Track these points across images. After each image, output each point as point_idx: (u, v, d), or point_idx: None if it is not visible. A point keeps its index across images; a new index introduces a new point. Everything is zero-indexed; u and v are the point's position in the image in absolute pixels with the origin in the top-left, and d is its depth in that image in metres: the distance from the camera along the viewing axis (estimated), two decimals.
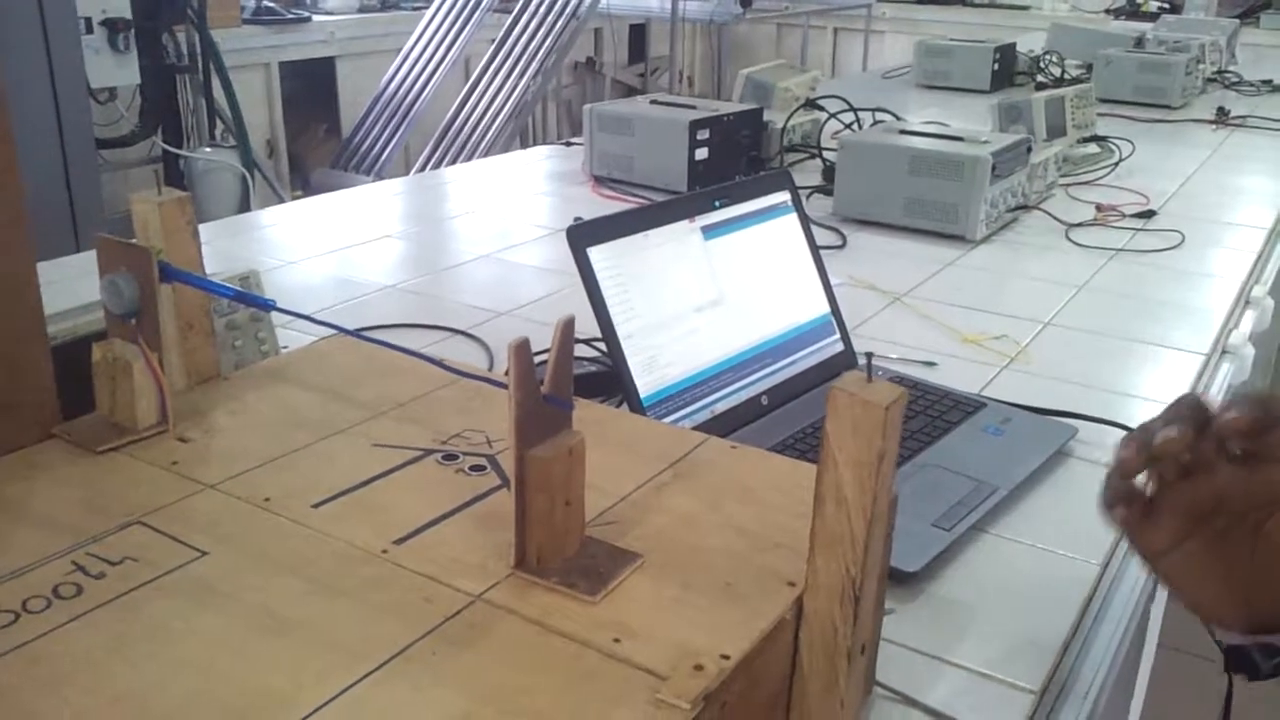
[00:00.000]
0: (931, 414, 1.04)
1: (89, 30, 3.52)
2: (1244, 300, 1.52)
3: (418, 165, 4.81)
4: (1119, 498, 0.61)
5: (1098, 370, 1.21)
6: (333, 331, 0.75)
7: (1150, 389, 1.18)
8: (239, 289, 0.68)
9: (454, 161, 4.66)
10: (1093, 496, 0.94)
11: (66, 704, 0.44)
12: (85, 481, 0.61)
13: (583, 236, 0.92)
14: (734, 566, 0.56)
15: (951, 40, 3.18)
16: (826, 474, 0.49)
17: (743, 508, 0.61)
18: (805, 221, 1.13)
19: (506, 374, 0.51)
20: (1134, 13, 5.35)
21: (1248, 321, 1.46)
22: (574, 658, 0.48)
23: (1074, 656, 0.77)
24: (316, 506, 0.59)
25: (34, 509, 0.59)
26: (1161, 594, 1.48)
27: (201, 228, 0.71)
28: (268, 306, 0.68)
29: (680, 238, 1.01)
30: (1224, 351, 1.36)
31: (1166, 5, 5.42)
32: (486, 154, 4.56)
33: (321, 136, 5.24)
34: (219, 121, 4.16)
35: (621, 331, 0.93)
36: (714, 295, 1.02)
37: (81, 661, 0.47)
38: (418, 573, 0.54)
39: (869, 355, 0.51)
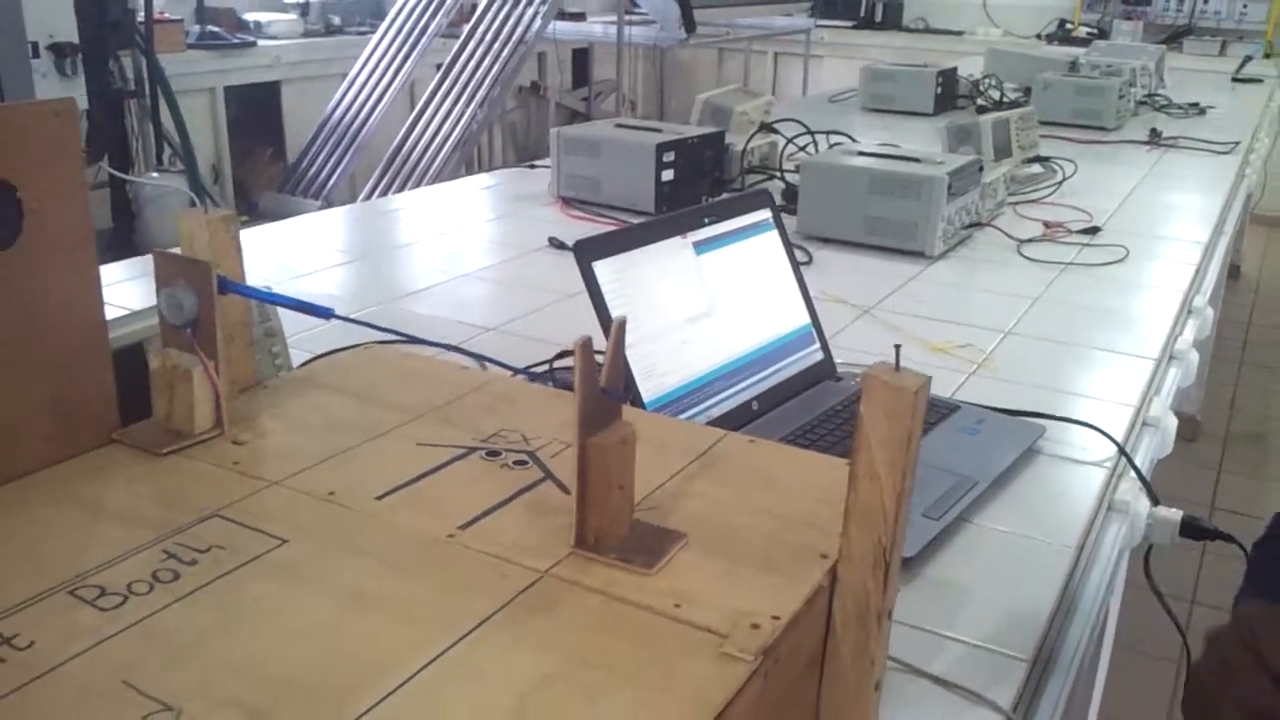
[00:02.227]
0: None
1: (35, 54, 3.51)
2: (1186, 309, 1.62)
3: (365, 191, 4.83)
4: None
5: (1058, 375, 1.29)
6: (372, 340, 0.79)
7: (1108, 391, 1.26)
8: (298, 299, 0.72)
9: (402, 188, 4.69)
10: (1063, 489, 1.02)
11: (190, 674, 0.48)
12: (155, 481, 0.65)
13: (588, 251, 0.98)
14: (769, 543, 0.61)
15: (895, 65, 3.30)
16: (861, 453, 0.55)
17: (768, 493, 0.67)
18: (785, 237, 1.20)
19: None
20: (1065, 38, 5.56)
21: (1190, 329, 1.56)
22: (641, 622, 0.54)
23: (1057, 630, 0.84)
24: (379, 499, 0.64)
25: (113, 506, 0.63)
26: (1116, 594, 1.57)
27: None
28: (327, 315, 0.73)
29: (675, 253, 1.07)
30: (1171, 357, 1.45)
31: (1095, 31, 5.63)
32: (434, 180, 4.59)
33: (267, 161, 5.24)
34: (166, 146, 4.15)
35: (626, 340, 0.98)
36: (706, 307, 1.08)
37: (195, 636, 0.51)
38: (485, 553, 0.58)
39: (897, 346, 0.57)
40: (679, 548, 0.60)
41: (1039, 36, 5.75)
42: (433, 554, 0.58)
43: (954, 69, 3.28)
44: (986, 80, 3.32)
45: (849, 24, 6.65)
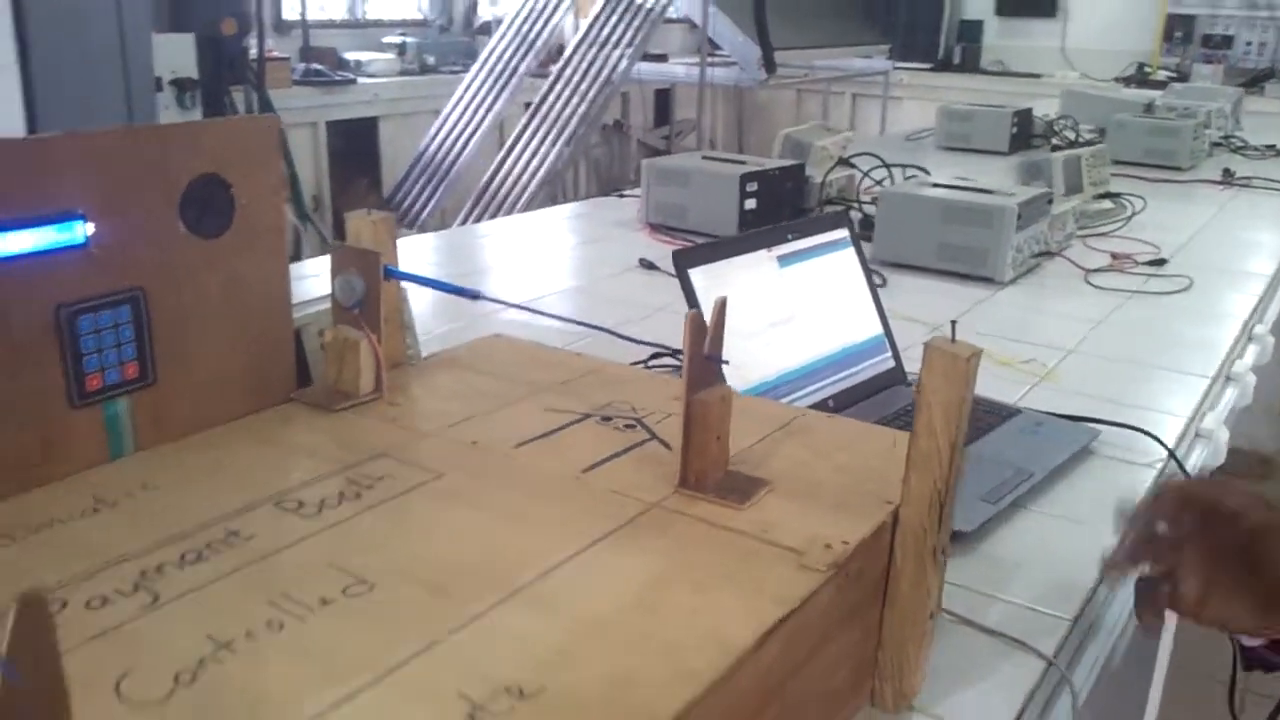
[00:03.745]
0: (975, 417, 1.20)
1: (159, 89, 3.77)
2: (1247, 336, 1.69)
3: (457, 222, 5.03)
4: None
5: (1116, 388, 1.38)
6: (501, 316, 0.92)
7: (1163, 403, 1.34)
8: (451, 284, 0.86)
9: (491, 220, 4.89)
10: (1114, 485, 1.12)
11: (379, 561, 0.61)
12: (331, 430, 0.79)
13: (686, 260, 1.10)
14: (843, 492, 0.73)
15: (971, 105, 3.39)
16: (922, 411, 0.67)
17: (844, 456, 0.79)
18: (861, 254, 1.31)
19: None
20: (1143, 80, 5.59)
21: (1250, 354, 1.63)
22: (735, 542, 0.65)
23: (1101, 600, 0.94)
24: (516, 447, 0.77)
25: (302, 445, 0.76)
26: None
27: None
28: (474, 296, 0.86)
29: (760, 264, 1.19)
30: (1228, 378, 1.53)
31: (1175, 74, 5.66)
32: (522, 213, 4.78)
33: (364, 192, 5.49)
34: None
35: None
36: (788, 314, 1.20)
37: (380, 537, 0.64)
38: (607, 489, 0.71)
39: (953, 323, 0.68)
40: (765, 491, 0.72)
41: (1117, 80, 5.79)
42: (565, 487, 0.71)
43: (1029, 109, 3.36)
44: (1062, 121, 3.40)
45: (927, 66, 6.75)
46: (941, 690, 0.77)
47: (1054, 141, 3.24)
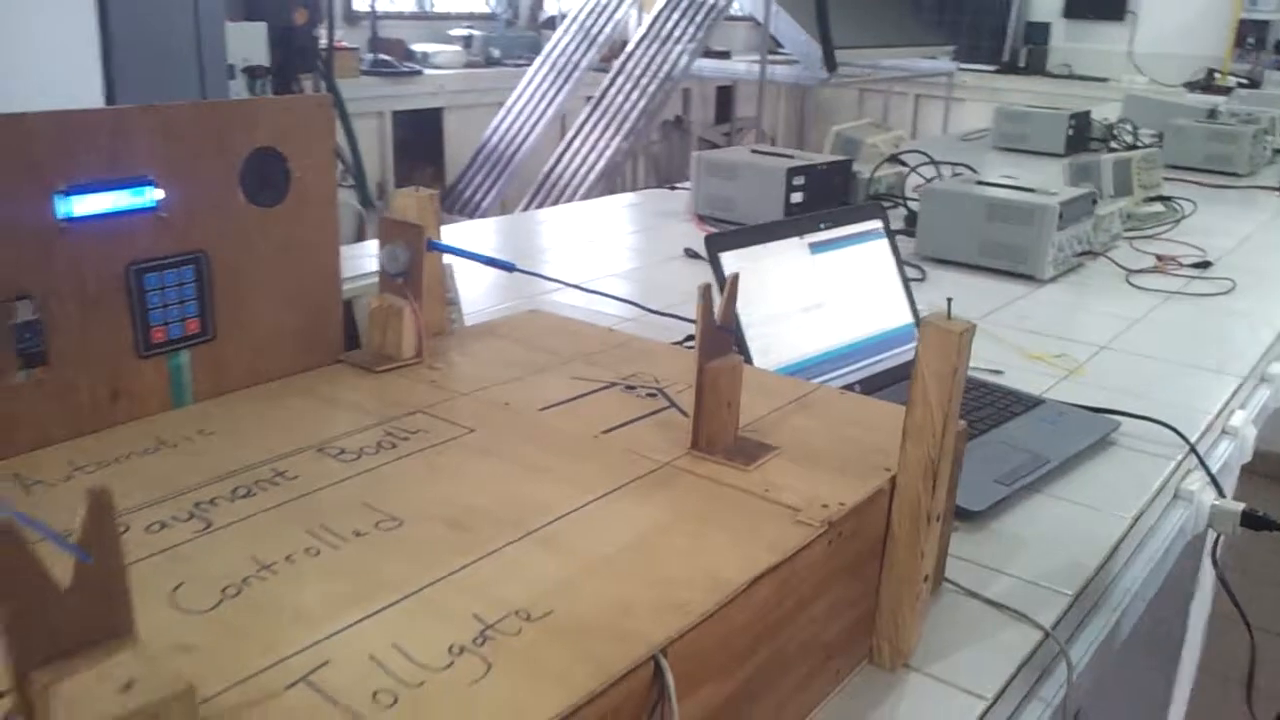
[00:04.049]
0: (998, 406, 1.24)
1: (232, 76, 3.89)
2: None
3: (517, 212, 5.12)
4: None
5: (1144, 383, 1.41)
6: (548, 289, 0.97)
7: (1191, 400, 1.36)
8: (488, 255, 0.92)
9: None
10: (1131, 476, 1.15)
11: (408, 502, 0.67)
12: (373, 388, 0.85)
13: (717, 244, 1.15)
14: (846, 459, 0.77)
15: (1029, 107, 3.39)
16: (917, 384, 0.71)
17: (851, 428, 0.83)
18: (894, 245, 1.35)
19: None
20: (1209, 86, 5.51)
21: None
22: (737, 498, 0.70)
23: (1110, 577, 0.97)
24: (542, 410, 0.82)
25: (345, 401, 0.83)
26: (1197, 622, 1.64)
27: None
28: (509, 268, 0.92)
29: (792, 251, 1.23)
30: (1263, 379, 1.54)
31: (1245, 80, 5.57)
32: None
33: (427, 181, 5.60)
34: (338, 163, 4.51)
35: (745, 320, 1.15)
36: (818, 300, 1.24)
37: (412, 480, 0.70)
38: (623, 449, 0.76)
39: (949, 300, 0.72)
40: (771, 456, 0.76)
41: (1185, 85, 5.71)
42: (583, 446, 0.76)
43: (1087, 112, 3.35)
44: (1121, 125, 3.39)
45: (992, 68, 6.70)
46: (939, 653, 0.81)
47: (1111, 145, 3.23)
